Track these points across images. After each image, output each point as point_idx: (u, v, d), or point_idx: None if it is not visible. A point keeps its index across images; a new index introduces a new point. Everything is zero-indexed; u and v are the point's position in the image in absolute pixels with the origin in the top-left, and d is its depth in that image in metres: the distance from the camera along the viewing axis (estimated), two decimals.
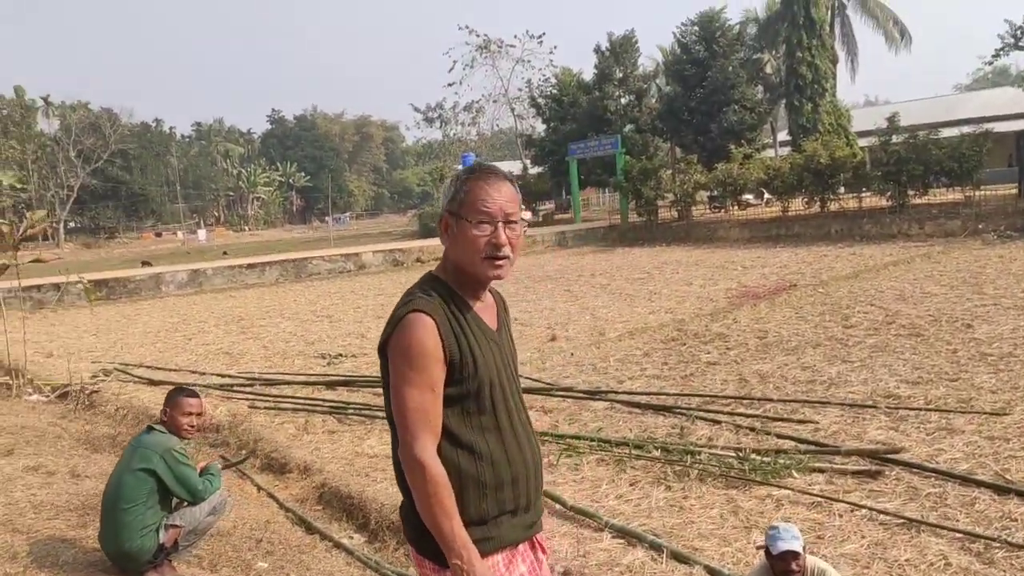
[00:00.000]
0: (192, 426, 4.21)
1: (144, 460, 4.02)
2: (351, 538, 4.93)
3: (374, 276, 24.24)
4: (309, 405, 7.94)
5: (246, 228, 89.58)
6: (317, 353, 11.09)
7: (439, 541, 1.95)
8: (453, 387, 2.01)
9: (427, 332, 1.96)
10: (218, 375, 9.96)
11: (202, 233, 73.47)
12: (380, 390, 8.60)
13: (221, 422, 7.48)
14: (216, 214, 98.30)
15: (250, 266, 24.95)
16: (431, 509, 1.93)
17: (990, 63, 25.45)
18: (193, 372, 10.25)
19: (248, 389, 8.95)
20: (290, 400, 8.26)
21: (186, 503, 4.18)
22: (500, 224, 2.05)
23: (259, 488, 5.89)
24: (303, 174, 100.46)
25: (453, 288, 2.10)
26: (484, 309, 2.16)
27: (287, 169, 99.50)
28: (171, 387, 8.30)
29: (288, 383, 9.12)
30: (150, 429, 4.21)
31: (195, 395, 4.34)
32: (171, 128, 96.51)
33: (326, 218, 77.48)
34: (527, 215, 33.90)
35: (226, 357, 11.40)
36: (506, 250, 2.06)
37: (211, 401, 8.37)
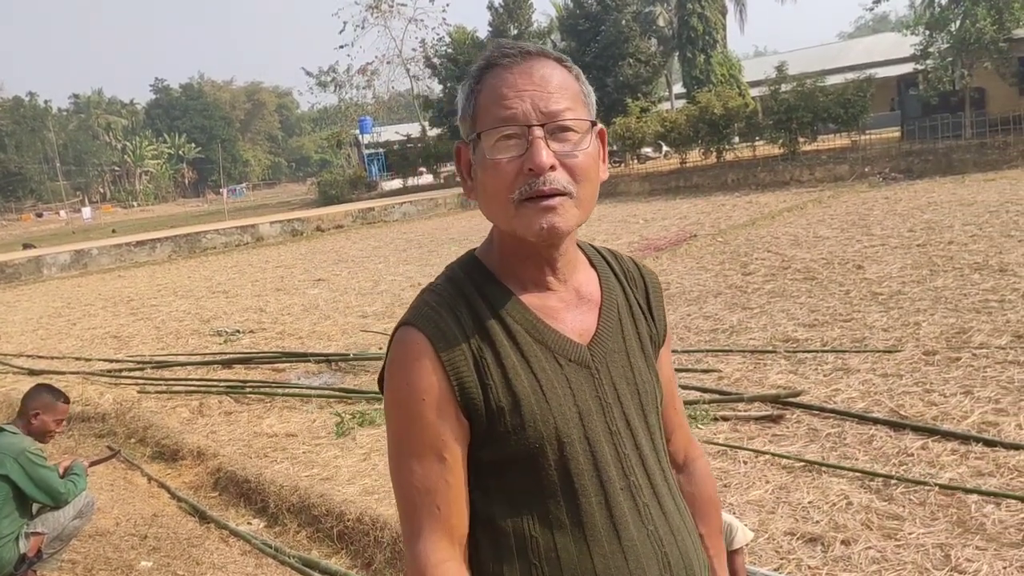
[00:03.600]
0: (58, 431, 3.88)
1: None
2: (249, 524, 4.68)
3: (272, 248, 23.51)
4: (204, 386, 7.57)
5: (135, 204, 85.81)
6: (213, 331, 10.61)
7: None
8: (486, 448, 1.19)
9: (418, 362, 1.18)
10: (105, 360, 9.42)
11: (87, 211, 69.96)
12: (280, 365, 8.39)
13: (107, 411, 7.05)
14: (101, 190, 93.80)
15: (139, 243, 23.81)
16: None
17: (871, 9, 26.22)
18: (78, 359, 9.67)
19: (137, 373, 8.49)
20: (183, 382, 7.86)
21: (48, 507, 3.84)
22: (537, 133, 1.15)
23: (149, 478, 5.56)
24: (193, 145, 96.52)
25: (494, 273, 1.25)
26: (563, 305, 1.26)
27: (176, 140, 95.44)
28: (47, 378, 7.88)
29: (181, 364, 8.69)
30: (0, 431, 3.85)
31: (68, 399, 4.03)
32: (46, 102, 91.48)
33: (220, 190, 74.84)
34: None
35: (114, 341, 10.81)
36: (556, 177, 1.15)
37: (96, 388, 7.92)
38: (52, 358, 9.87)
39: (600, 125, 1.24)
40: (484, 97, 1.19)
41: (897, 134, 24.42)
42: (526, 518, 1.18)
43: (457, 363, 1.17)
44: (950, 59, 22.30)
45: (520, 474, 1.18)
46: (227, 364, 8.41)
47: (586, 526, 1.17)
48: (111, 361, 9.33)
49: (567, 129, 1.17)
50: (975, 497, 3.64)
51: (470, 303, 1.22)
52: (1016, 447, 4.08)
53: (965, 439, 4.26)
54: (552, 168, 1.15)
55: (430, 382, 1.16)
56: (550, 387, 1.19)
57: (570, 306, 1.26)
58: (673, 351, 6.69)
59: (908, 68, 27.01)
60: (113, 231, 39.08)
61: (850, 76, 24.54)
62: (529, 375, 1.18)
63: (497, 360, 1.18)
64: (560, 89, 1.17)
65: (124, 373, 8.55)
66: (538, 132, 1.15)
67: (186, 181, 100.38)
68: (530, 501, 1.18)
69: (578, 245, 1.34)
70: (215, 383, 7.63)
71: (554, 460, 1.17)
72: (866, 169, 20.61)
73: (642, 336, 1.32)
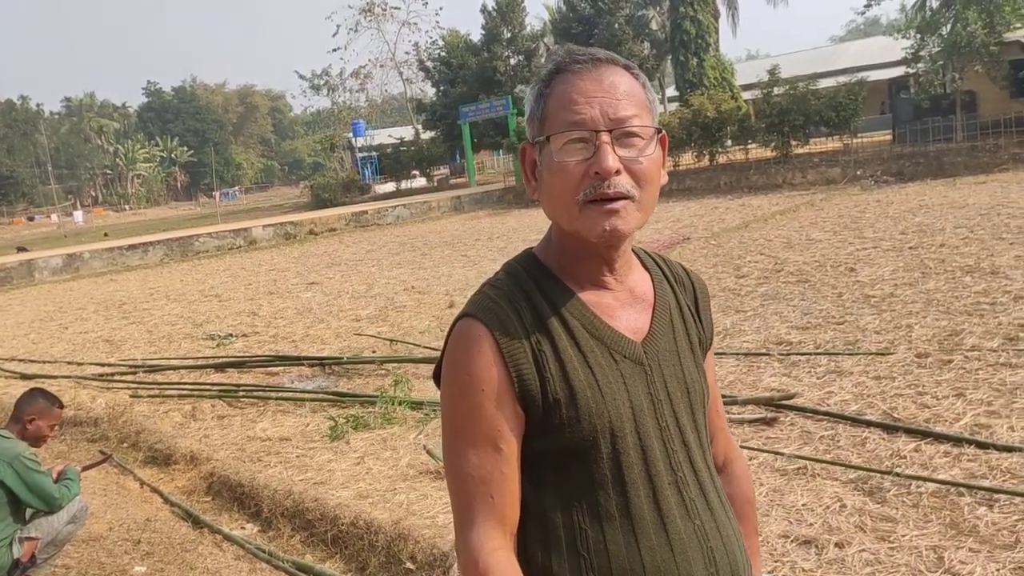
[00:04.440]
0: (52, 436, 3.87)
1: None
2: (243, 529, 4.67)
3: (266, 251, 23.46)
4: (197, 390, 7.54)
5: (127, 207, 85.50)
6: (206, 335, 10.58)
7: None
8: (540, 440, 1.21)
9: (479, 353, 1.20)
10: (97, 364, 9.39)
11: (79, 214, 69.67)
12: (274, 369, 8.38)
13: (99, 415, 7.02)
14: (93, 194, 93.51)
15: (132, 247, 23.75)
16: None
17: (862, 13, 26.41)
18: (70, 363, 9.64)
19: (130, 377, 8.46)
20: (176, 386, 7.83)
21: (42, 512, 3.82)
22: (605, 138, 1.19)
23: (142, 483, 5.54)
24: (186, 148, 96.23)
25: (552, 270, 1.29)
26: (618, 304, 1.30)
27: (168, 144, 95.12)
28: (40, 383, 7.84)
29: (174, 368, 8.66)
30: None
31: (62, 404, 4.02)
32: (38, 105, 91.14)
33: (213, 193, 74.69)
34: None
35: (106, 345, 10.77)
36: (620, 181, 1.19)
37: (89, 392, 7.89)
38: (44, 362, 9.84)
39: (663, 131, 1.28)
40: (554, 101, 1.23)
41: (889, 137, 24.50)
42: (576, 510, 1.21)
43: (517, 355, 1.20)
44: (941, 62, 22.40)
45: (572, 466, 1.21)
46: (220, 368, 8.39)
47: (634, 518, 1.20)
48: (103, 365, 9.30)
49: (633, 135, 1.21)
50: (968, 499, 3.65)
51: (529, 297, 1.25)
52: (1008, 449, 4.09)
53: (958, 441, 4.28)
54: (617, 172, 1.19)
55: (490, 373, 1.19)
56: (605, 382, 1.22)
57: (625, 305, 1.31)
58: None
59: (899, 71, 27.10)
60: (105, 235, 38.93)
61: (842, 79, 24.65)
62: (586, 369, 1.22)
63: (555, 353, 1.21)
64: (627, 96, 1.22)
65: (116, 377, 8.52)
66: (605, 137, 1.19)
67: (178, 184, 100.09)
68: (581, 493, 1.21)
69: (632, 248, 1.38)
70: (208, 387, 7.60)
71: (606, 453, 1.21)
72: (858, 172, 20.68)
73: (692, 337, 1.36)
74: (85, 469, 4.32)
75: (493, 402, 1.19)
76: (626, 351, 1.26)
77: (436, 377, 1.29)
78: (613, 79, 1.22)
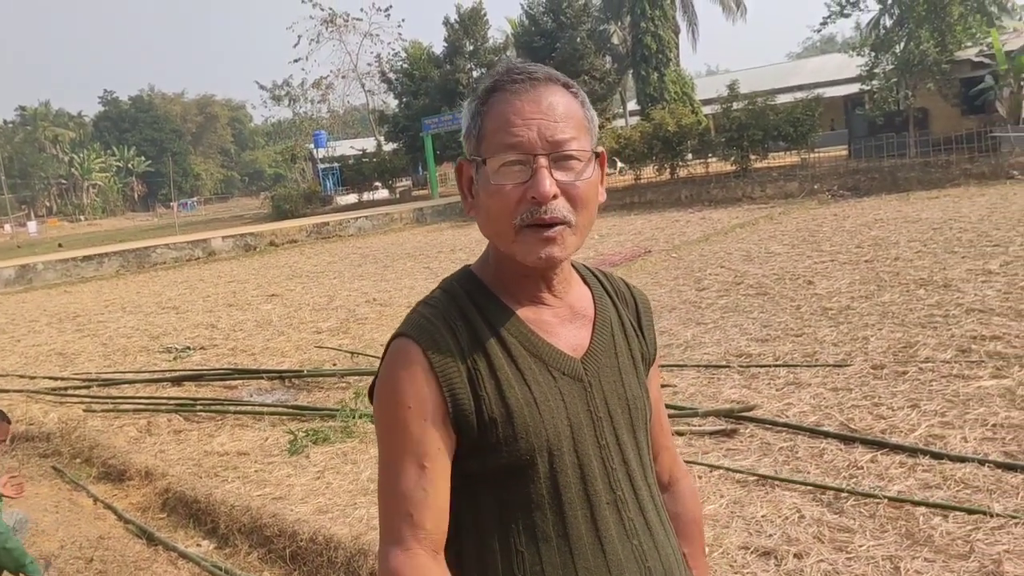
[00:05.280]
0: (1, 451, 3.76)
1: None
2: (198, 546, 4.58)
3: (225, 263, 23.16)
4: (153, 404, 7.40)
5: (82, 218, 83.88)
6: (162, 347, 10.40)
7: None
8: (477, 460, 1.19)
9: (410, 373, 1.18)
10: (50, 378, 9.18)
11: (33, 225, 68.12)
12: (232, 382, 8.25)
13: (52, 430, 6.86)
14: (48, 204, 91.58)
15: (86, 258, 23.29)
16: None
17: (818, 31, 26.87)
18: (22, 376, 9.41)
19: (84, 391, 8.27)
20: (131, 400, 7.68)
21: None
22: (543, 162, 1.17)
23: (95, 500, 5.41)
24: (143, 158, 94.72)
25: (489, 287, 1.27)
26: (558, 320, 1.27)
27: (125, 153, 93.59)
28: None
29: (129, 382, 8.49)
30: None
31: (9, 419, 3.91)
32: None
33: (171, 204, 73.64)
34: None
35: (59, 358, 10.53)
36: (557, 206, 1.17)
37: (41, 407, 7.71)
38: None
39: (602, 149, 1.26)
40: (491, 121, 1.20)
41: (845, 152, 24.98)
42: (513, 531, 1.18)
43: (450, 374, 1.18)
44: (895, 80, 22.92)
45: (509, 486, 1.19)
46: (177, 381, 8.25)
47: (571, 539, 1.18)
48: (56, 379, 9.09)
49: (571, 158, 1.19)
50: (923, 509, 3.71)
51: (465, 315, 1.23)
52: (962, 459, 4.17)
53: (912, 452, 4.35)
54: (554, 197, 1.17)
55: (420, 392, 1.17)
56: (543, 399, 1.20)
57: (564, 321, 1.28)
58: None
59: (855, 88, 27.66)
60: (60, 245, 38.15)
61: (799, 95, 25.09)
62: (523, 386, 1.19)
63: (491, 371, 1.19)
64: (565, 118, 1.19)
65: (70, 391, 8.33)
66: (543, 161, 1.17)
67: (135, 195, 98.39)
68: (517, 514, 1.19)
69: (571, 264, 1.35)
70: (164, 401, 7.47)
71: (543, 472, 1.18)
72: (815, 186, 21.03)
73: (634, 353, 1.34)
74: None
75: (420, 421, 1.17)
76: (565, 368, 1.24)
77: (371, 395, 1.27)
78: (552, 100, 1.19)
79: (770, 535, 3.68)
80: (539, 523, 1.18)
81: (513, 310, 1.25)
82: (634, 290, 1.44)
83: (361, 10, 57.51)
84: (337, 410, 6.23)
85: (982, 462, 4.10)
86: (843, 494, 3.97)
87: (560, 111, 1.19)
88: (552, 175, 1.17)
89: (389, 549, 1.15)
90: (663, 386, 6.07)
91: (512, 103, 1.18)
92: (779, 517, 3.85)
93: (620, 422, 1.26)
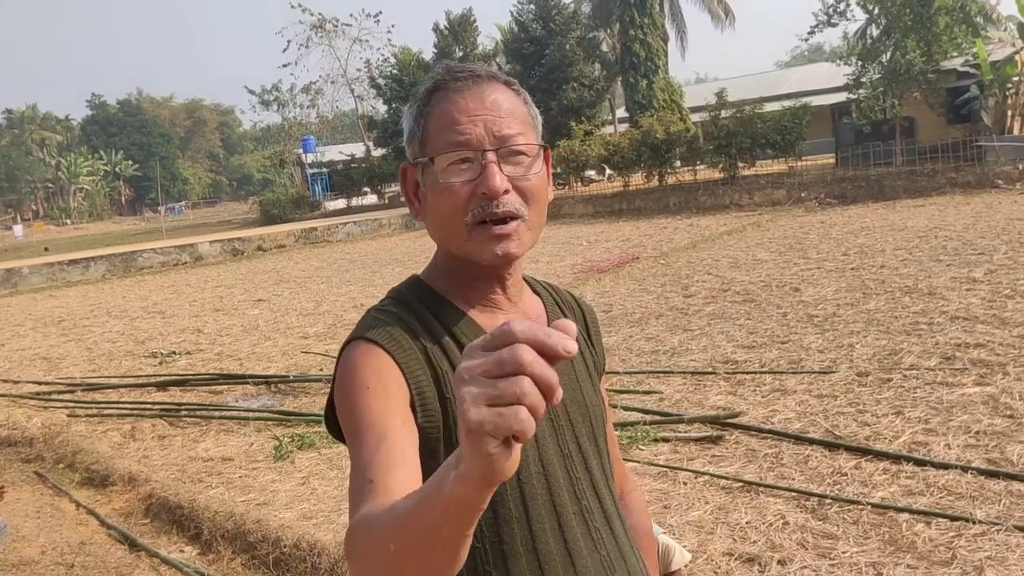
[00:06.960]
0: None
1: None
2: (182, 551, 4.54)
3: (212, 267, 23.06)
4: (137, 409, 7.36)
5: (69, 222, 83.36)
6: (148, 352, 10.35)
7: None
8: (433, 461, 1.08)
9: (368, 360, 1.12)
10: (34, 382, 9.11)
11: (18, 228, 67.64)
12: (218, 387, 8.20)
13: (35, 435, 6.80)
14: (34, 208, 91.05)
15: (72, 262, 23.15)
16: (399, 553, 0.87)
17: (806, 40, 27.04)
18: (6, 381, 9.34)
19: (68, 396, 8.22)
20: (115, 406, 7.62)
21: None
22: (491, 157, 1.15)
23: (77, 505, 5.36)
24: (131, 162, 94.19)
25: (441, 293, 1.24)
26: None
27: (113, 157, 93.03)
28: None
29: (114, 387, 8.44)
30: None
31: None
32: None
33: (159, 208, 73.27)
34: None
35: (44, 363, 10.46)
36: (509, 200, 1.16)
37: (24, 412, 7.64)
38: None
39: (548, 148, 1.26)
40: (435, 121, 1.18)
41: (832, 160, 25.11)
42: (478, 552, 1.13)
43: (414, 369, 1.12)
44: (881, 89, 23.06)
45: None
46: (162, 387, 8.20)
47: (540, 554, 1.14)
48: (40, 383, 9.02)
49: (519, 153, 1.18)
50: (906, 516, 3.73)
51: (422, 319, 1.19)
52: (945, 466, 4.19)
53: (896, 459, 4.37)
54: (506, 192, 1.15)
55: (379, 373, 1.10)
56: None
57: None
58: (615, 372, 6.73)
59: (842, 97, 27.82)
60: (46, 249, 37.87)
61: (787, 103, 25.20)
62: None
63: (452, 375, 1.12)
64: (511, 114, 1.18)
65: (53, 396, 8.28)
66: (492, 156, 1.15)
67: (123, 199, 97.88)
68: (483, 532, 1.13)
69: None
70: (149, 406, 7.43)
71: (511, 484, 1.13)
72: (802, 194, 21.14)
73: (587, 362, 1.34)
74: None
75: (381, 398, 1.08)
76: None
77: (328, 410, 1.20)
78: (495, 96, 1.18)
79: (754, 541, 3.68)
80: (507, 539, 1.13)
81: (467, 314, 1.22)
82: (581, 301, 1.43)
83: (351, 15, 57.50)
84: (323, 415, 6.20)
85: (965, 469, 4.12)
86: (827, 500, 3.98)
87: (505, 107, 1.18)
88: (502, 170, 1.15)
89: (351, 519, 1.01)
90: (649, 392, 6.10)
91: (456, 101, 1.17)
92: (763, 523, 3.86)
93: (581, 431, 1.24)
